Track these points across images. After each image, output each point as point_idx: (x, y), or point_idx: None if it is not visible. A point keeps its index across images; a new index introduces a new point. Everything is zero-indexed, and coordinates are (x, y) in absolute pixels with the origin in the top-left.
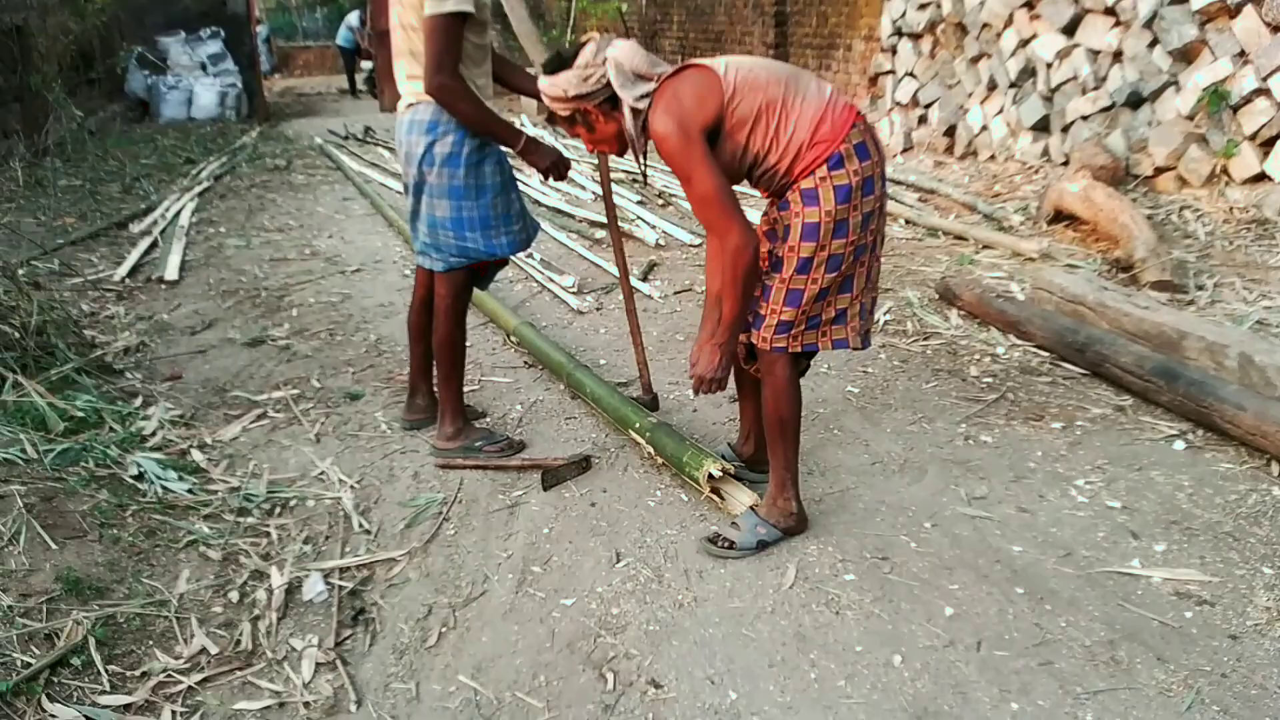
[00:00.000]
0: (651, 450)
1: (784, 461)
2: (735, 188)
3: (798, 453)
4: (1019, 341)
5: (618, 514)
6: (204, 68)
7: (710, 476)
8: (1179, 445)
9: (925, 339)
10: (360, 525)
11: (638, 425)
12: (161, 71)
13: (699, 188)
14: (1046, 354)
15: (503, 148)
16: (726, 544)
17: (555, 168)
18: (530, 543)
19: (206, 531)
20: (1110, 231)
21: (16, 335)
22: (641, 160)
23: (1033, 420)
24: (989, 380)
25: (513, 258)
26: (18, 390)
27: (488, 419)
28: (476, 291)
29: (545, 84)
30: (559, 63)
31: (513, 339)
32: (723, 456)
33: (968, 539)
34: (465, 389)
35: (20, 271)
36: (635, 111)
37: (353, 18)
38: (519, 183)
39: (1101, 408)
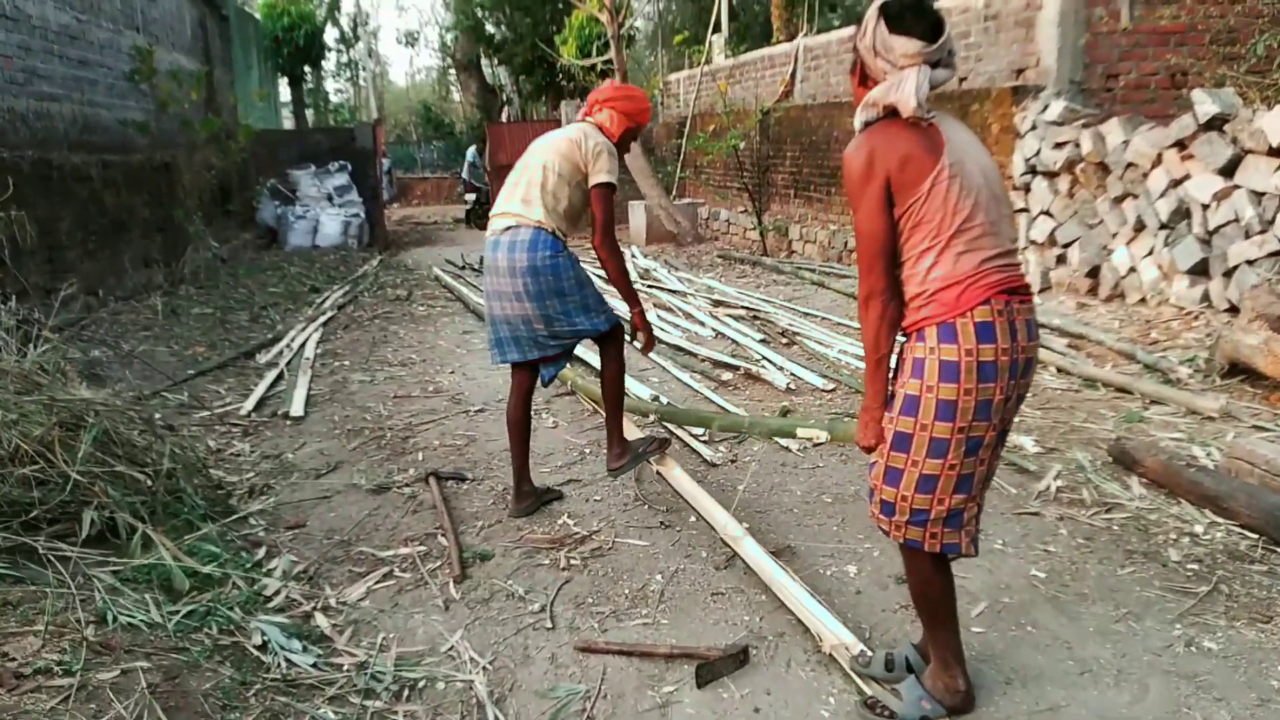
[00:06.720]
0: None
1: (941, 640)
2: None
3: (957, 630)
4: (1219, 520)
5: None
6: (330, 198)
7: None
8: None
9: (1107, 511)
10: (496, 718)
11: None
12: (290, 202)
13: (859, 226)
14: (1255, 536)
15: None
16: (886, 713)
17: (651, 344)
18: None
19: (331, 718)
20: None
21: (148, 481)
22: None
23: (1260, 621)
24: (1194, 567)
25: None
26: (145, 547)
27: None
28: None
29: (875, 20)
30: (902, 17)
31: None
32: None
33: None
34: (595, 553)
35: (156, 412)
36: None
37: (471, 152)
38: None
39: None
